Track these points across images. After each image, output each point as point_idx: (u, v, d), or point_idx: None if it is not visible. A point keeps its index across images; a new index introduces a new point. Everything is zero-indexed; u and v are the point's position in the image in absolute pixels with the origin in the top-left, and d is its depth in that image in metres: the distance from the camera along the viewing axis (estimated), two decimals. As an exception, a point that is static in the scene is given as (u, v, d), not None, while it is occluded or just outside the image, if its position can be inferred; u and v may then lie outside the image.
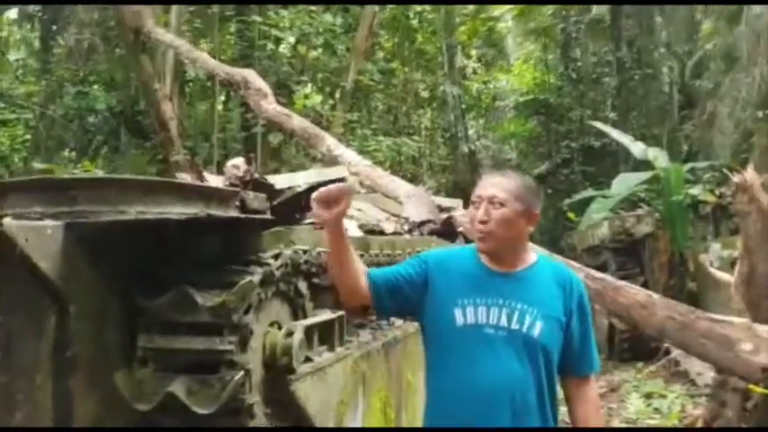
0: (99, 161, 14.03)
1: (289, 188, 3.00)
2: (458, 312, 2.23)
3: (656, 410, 6.89)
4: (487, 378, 2.18)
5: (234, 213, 2.33)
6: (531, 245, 2.38)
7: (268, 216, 2.52)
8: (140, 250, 2.41)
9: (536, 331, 2.21)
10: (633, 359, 9.32)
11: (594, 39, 17.61)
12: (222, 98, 14.80)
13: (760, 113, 13.23)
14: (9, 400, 2.42)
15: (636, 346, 9.15)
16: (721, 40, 14.41)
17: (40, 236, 2.26)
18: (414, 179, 13.02)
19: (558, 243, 15.63)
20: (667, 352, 8.32)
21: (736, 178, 5.72)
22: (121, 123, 13.37)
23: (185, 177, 2.43)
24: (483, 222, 2.22)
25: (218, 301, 2.36)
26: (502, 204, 2.21)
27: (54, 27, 13.91)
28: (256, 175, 2.66)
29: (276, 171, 10.57)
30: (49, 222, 2.28)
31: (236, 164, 2.68)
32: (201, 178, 2.45)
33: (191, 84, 13.98)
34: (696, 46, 16.10)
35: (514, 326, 2.20)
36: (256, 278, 2.48)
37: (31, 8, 15.41)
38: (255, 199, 2.45)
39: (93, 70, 13.46)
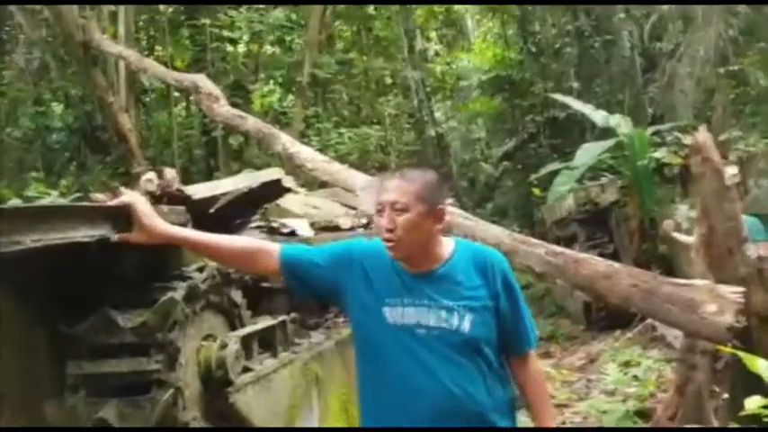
0: (68, 179, 13.89)
1: (219, 195, 2.95)
2: (387, 311, 2.16)
3: (635, 378, 6.88)
4: (429, 384, 2.10)
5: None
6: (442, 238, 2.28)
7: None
8: (57, 277, 2.37)
9: (467, 326, 2.14)
10: (611, 328, 9.34)
11: (552, 10, 17.56)
12: (183, 104, 14.67)
13: (721, 70, 13.30)
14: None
15: (612, 314, 9.17)
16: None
17: (-54, 274, 2.21)
18: (382, 168, 12.99)
19: (532, 218, 15.70)
20: (643, 318, 8.34)
21: (688, 139, 5.73)
22: (81, 139, 13.21)
23: (100, 197, 2.37)
24: (389, 231, 2.13)
25: (140, 320, 2.34)
26: (405, 209, 2.12)
27: (3, 48, 13.66)
28: (175, 187, 2.61)
29: (238, 172, 10.50)
30: (-46, 259, 2.23)
31: (149, 178, 2.62)
32: (117, 195, 2.38)
33: (148, 93, 13.82)
34: (653, 8, 16.11)
35: (445, 325, 2.13)
36: (179, 294, 2.45)
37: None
38: (171, 213, 2.41)
39: (49, 88, 13.26)
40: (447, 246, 2.24)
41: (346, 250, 2.29)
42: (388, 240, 2.14)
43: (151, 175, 2.64)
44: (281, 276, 2.29)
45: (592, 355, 8.39)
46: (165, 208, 2.42)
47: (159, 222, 2.20)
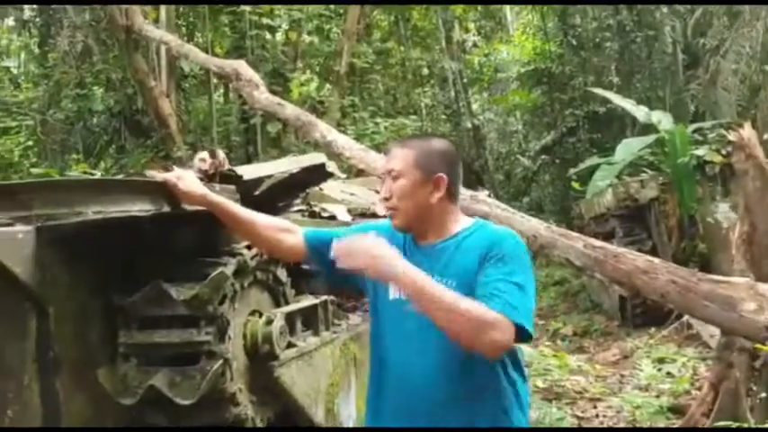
0: (107, 161, 14.18)
1: (264, 177, 3.01)
2: (391, 285, 2.06)
3: (669, 375, 6.86)
4: (413, 359, 2.02)
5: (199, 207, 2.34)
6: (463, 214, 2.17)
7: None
8: (114, 248, 2.45)
9: None
10: (646, 324, 9.28)
11: (593, 3, 17.36)
12: (221, 91, 14.83)
13: (766, 67, 13.04)
14: (-1, 400, 2.49)
15: (648, 311, 9.10)
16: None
17: (12, 241, 2.30)
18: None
19: (569, 213, 15.57)
20: (679, 316, 8.27)
21: (732, 136, 5.67)
22: (122, 123, 13.45)
23: (153, 174, 2.44)
24: (387, 199, 2.09)
25: (193, 293, 2.40)
26: (399, 176, 2.06)
27: (50, 32, 13.96)
28: (225, 168, 2.68)
29: (276, 159, 10.60)
30: (19, 228, 2.32)
31: (203, 157, 2.69)
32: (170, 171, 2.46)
33: (188, 79, 14.00)
34: (698, 3, 15.83)
35: None
36: (229, 269, 2.51)
37: (27, 14, 15.48)
38: (222, 191, 2.47)
39: (91, 72, 13.51)
40: (461, 223, 2.13)
41: (364, 230, 2.24)
42: (386, 209, 2.11)
43: (204, 154, 2.71)
44: (306, 257, 2.29)
45: (626, 351, 8.34)
46: (216, 186, 2.48)
47: (199, 185, 2.27)
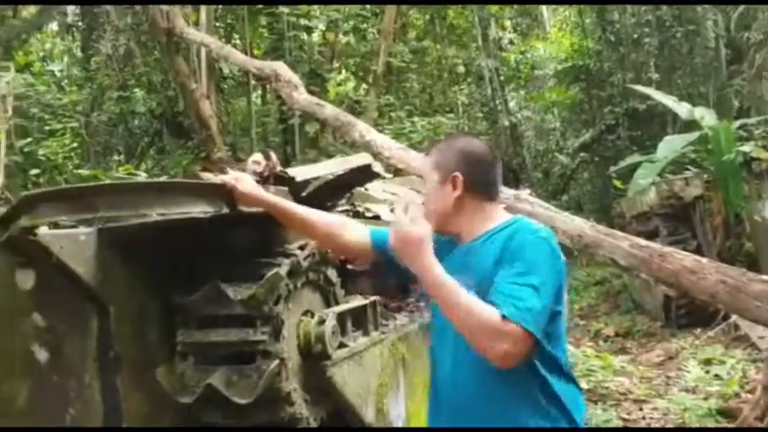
0: (147, 162, 14.42)
1: (312, 179, 3.03)
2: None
3: (716, 377, 6.72)
4: (448, 369, 2.01)
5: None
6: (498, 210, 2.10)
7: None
8: (172, 249, 2.49)
9: None
10: (691, 325, 9.12)
11: (633, 3, 17.10)
12: (259, 92, 14.96)
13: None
14: (61, 398, 2.55)
15: (693, 311, 8.94)
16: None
17: (74, 243, 2.36)
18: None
19: (609, 211, 15.39)
20: (726, 316, 8.11)
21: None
22: (163, 124, 13.67)
23: (210, 176, 2.48)
24: (423, 205, 2.10)
25: (249, 293, 2.43)
26: (426, 181, 2.12)
27: (92, 35, 14.25)
28: (278, 169, 2.71)
29: (315, 160, 10.68)
30: (81, 229, 2.38)
31: (257, 159, 2.73)
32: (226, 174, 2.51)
33: (227, 81, 14.16)
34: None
35: None
36: (284, 269, 2.54)
37: (71, 18, 15.83)
38: (277, 192, 2.50)
39: (133, 74, 13.76)
40: (495, 221, 2.06)
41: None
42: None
43: (258, 156, 2.75)
44: (372, 253, 2.29)
45: (671, 352, 8.21)
46: (271, 188, 2.51)
47: (256, 187, 2.31)
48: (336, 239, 2.36)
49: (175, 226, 2.26)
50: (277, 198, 2.36)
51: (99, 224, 2.35)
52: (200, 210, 2.21)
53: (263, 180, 2.66)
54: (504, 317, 1.75)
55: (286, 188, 2.66)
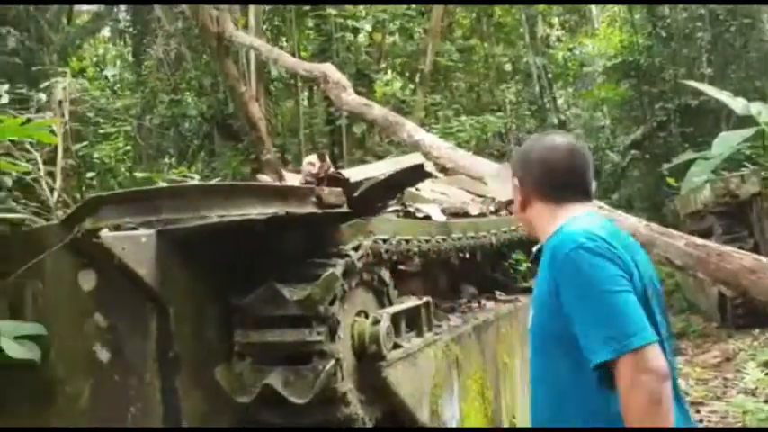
0: (198, 165, 14.66)
1: (364, 180, 3.04)
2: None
3: (778, 379, 6.55)
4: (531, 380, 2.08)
5: (311, 209, 2.39)
6: (564, 211, 2.03)
7: (345, 209, 2.57)
8: (229, 251, 2.53)
9: (531, 321, 2.03)
10: (748, 326, 8.88)
11: (684, 3, 16.71)
12: (306, 94, 15.08)
13: None
14: (122, 397, 2.61)
15: (751, 311, 8.68)
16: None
17: (136, 244, 2.42)
18: (502, 156, 12.87)
19: (661, 209, 15.07)
20: (787, 317, 7.89)
21: None
22: (213, 127, 13.88)
23: (265, 179, 2.51)
24: None
25: (305, 294, 2.44)
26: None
27: (143, 40, 14.57)
28: (331, 170, 2.72)
29: (361, 160, 10.72)
30: (142, 231, 2.43)
31: (311, 161, 2.75)
32: (281, 178, 2.54)
33: (275, 83, 14.31)
34: (798, -12, 15.01)
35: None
36: (339, 270, 2.55)
37: (122, 24, 16.22)
38: (331, 194, 2.51)
39: (183, 78, 14.01)
40: (558, 223, 2.00)
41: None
42: None
43: (312, 157, 2.77)
44: None
45: (728, 353, 8.02)
46: (326, 189, 2.52)
47: None
48: None
49: (233, 227, 2.29)
50: None
51: (159, 226, 2.39)
52: (258, 211, 2.23)
53: (318, 182, 2.67)
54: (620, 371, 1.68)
55: (340, 189, 2.66)
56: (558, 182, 2.05)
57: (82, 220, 2.28)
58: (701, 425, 5.55)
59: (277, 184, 2.30)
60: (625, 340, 1.69)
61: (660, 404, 1.66)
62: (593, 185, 2.12)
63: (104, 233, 2.32)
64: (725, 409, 5.78)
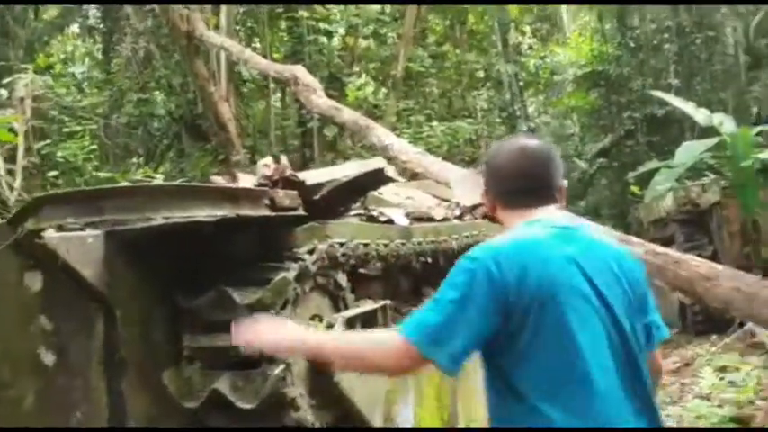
0: (166, 165, 14.51)
1: (324, 183, 3.03)
2: None
3: (731, 384, 6.67)
4: None
5: (264, 212, 2.38)
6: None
7: (300, 212, 2.56)
8: (178, 253, 2.50)
9: None
10: (707, 332, 9.04)
11: (652, 5, 16.98)
12: (279, 95, 15.03)
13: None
14: (67, 400, 2.56)
15: (710, 318, 8.85)
16: (788, -5, 13.70)
17: (82, 245, 2.37)
18: (472, 162, 12.94)
19: (626, 217, 15.27)
20: (742, 323, 8.03)
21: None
22: (182, 127, 13.76)
23: (219, 180, 2.48)
24: None
25: (256, 298, 2.42)
26: None
27: (113, 38, 14.39)
28: (287, 173, 2.71)
29: (333, 163, 10.70)
30: (89, 232, 2.39)
31: (266, 163, 2.73)
32: (235, 180, 2.52)
33: (246, 84, 14.24)
34: (760, 3, 15.34)
35: None
36: (291, 274, 2.53)
37: (92, 20, 16.00)
38: (286, 196, 2.49)
39: (153, 77, 13.86)
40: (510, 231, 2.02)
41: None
42: None
43: (268, 160, 2.75)
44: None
45: (686, 358, 8.15)
46: (280, 192, 2.51)
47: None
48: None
49: (182, 229, 2.27)
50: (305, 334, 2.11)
51: (106, 227, 2.36)
52: (206, 213, 2.21)
53: (272, 184, 2.65)
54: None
55: (295, 192, 2.65)
56: (512, 187, 2.03)
57: (25, 221, 2.23)
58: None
59: (227, 185, 2.27)
60: (408, 328, 1.79)
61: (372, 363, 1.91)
62: (558, 185, 2.05)
63: (49, 234, 2.27)
64: (680, 413, 5.87)
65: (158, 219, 2.07)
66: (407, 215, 4.65)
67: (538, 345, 1.78)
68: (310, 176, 3.06)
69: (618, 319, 1.87)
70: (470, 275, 1.79)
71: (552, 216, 1.98)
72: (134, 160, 14.45)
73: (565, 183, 2.08)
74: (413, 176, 7.87)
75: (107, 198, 2.20)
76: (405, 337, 1.77)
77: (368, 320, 3.09)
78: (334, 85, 12.38)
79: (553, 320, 1.78)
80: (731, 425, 5.47)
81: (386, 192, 5.15)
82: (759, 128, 11.29)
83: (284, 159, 2.81)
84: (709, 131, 11.47)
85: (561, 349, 1.77)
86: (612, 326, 1.86)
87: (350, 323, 2.86)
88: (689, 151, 10.69)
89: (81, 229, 2.36)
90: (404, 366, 1.86)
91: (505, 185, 2.05)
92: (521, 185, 2.03)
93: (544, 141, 2.15)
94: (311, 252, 2.70)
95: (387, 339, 1.85)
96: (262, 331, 2.01)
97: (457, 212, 5.41)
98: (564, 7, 20.25)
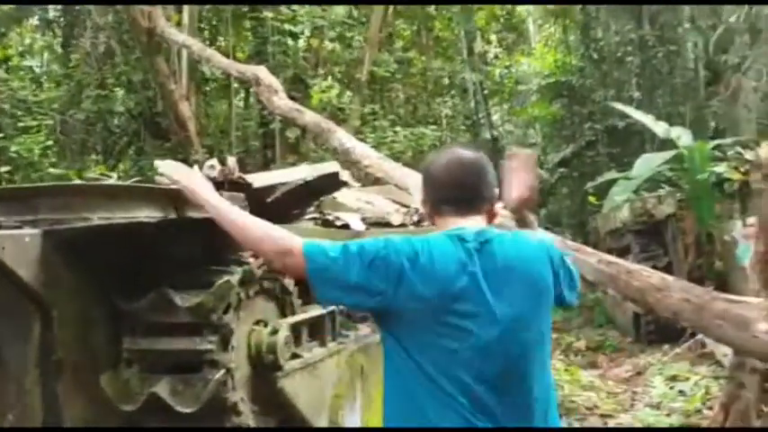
0: (126, 163, 14.27)
1: (276, 185, 3.00)
2: None
3: (681, 393, 6.79)
4: None
5: (207, 214, 2.33)
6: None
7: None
8: (119, 254, 2.44)
9: None
10: (659, 341, 9.17)
11: (616, 17, 17.26)
12: (242, 95, 14.90)
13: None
14: (0, 403, 2.49)
15: (662, 328, 8.98)
16: (745, 13, 14.03)
17: (18, 244, 2.30)
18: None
19: (585, 227, 15.46)
20: (693, 334, 8.17)
21: (749, 155, 5.59)
22: (142, 125, 13.54)
23: (163, 180, 2.43)
24: None
25: (197, 301, 2.39)
26: None
27: (73, 32, 14.11)
28: (235, 175, 2.67)
29: (294, 165, 10.63)
30: (26, 230, 2.32)
31: (212, 164, 2.69)
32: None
33: (209, 83, 14.08)
34: (720, 20, 15.68)
35: None
36: (235, 278, 2.50)
37: (51, 14, 15.66)
38: (231, 199, 2.45)
39: (112, 73, 13.62)
40: None
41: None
42: None
43: (213, 161, 2.71)
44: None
45: (639, 367, 8.26)
46: (225, 194, 2.47)
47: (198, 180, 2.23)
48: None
49: (122, 230, 2.22)
50: (216, 197, 2.18)
51: (44, 226, 2.29)
52: (146, 214, 2.16)
53: (217, 185, 2.61)
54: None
55: (242, 195, 2.62)
56: (444, 196, 2.09)
57: (-42, 217, 2.16)
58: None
59: (168, 186, 2.22)
60: (311, 243, 1.99)
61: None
62: (491, 196, 2.10)
63: (-18, 231, 2.21)
64: (630, 421, 5.95)
65: (95, 218, 2.02)
66: (364, 220, 4.63)
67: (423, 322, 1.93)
68: (263, 179, 3.03)
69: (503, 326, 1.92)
70: (392, 249, 1.92)
71: (473, 227, 2.02)
72: (93, 157, 14.19)
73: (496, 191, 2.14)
74: (375, 181, 7.87)
75: (41, 197, 2.14)
76: (302, 245, 1.95)
77: (315, 326, 3.07)
78: (299, 87, 12.31)
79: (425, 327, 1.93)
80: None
81: (345, 196, 5.14)
82: (716, 142, 11.58)
83: (231, 161, 2.77)
84: (668, 144, 11.72)
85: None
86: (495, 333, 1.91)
87: (295, 329, 2.83)
88: (647, 163, 10.91)
89: (18, 227, 2.29)
90: (285, 264, 2.02)
91: (439, 194, 2.11)
92: (454, 195, 2.09)
93: (480, 153, 2.16)
94: (256, 256, 2.66)
95: (285, 237, 2.00)
96: (187, 176, 2.17)
97: (415, 218, 5.42)
98: (530, 18, 20.49)
